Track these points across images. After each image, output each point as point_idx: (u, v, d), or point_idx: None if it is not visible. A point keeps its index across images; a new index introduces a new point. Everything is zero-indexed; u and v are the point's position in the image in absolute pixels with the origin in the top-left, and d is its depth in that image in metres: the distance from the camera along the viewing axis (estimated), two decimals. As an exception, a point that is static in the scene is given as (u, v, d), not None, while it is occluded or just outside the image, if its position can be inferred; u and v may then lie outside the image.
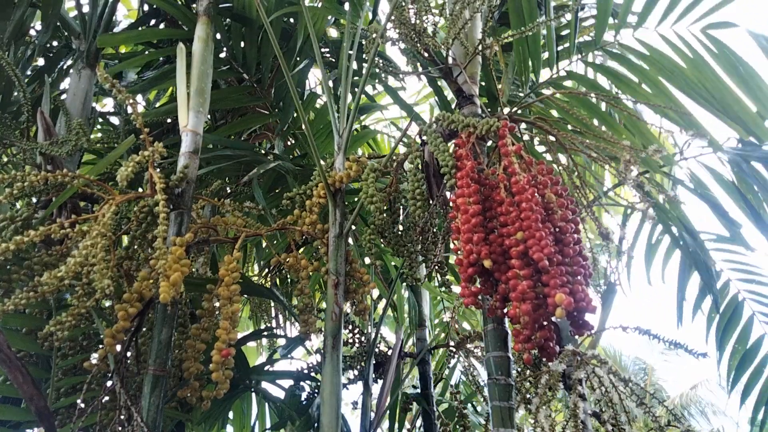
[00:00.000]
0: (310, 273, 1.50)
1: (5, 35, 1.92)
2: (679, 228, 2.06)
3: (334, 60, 2.40)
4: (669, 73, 1.73)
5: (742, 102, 1.69)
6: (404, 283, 2.37)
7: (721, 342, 2.63)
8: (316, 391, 1.88)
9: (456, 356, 2.23)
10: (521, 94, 1.93)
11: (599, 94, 1.60)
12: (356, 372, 2.12)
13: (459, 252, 1.14)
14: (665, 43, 1.76)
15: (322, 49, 2.37)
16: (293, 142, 2.58)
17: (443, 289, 1.51)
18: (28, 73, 2.26)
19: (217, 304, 1.35)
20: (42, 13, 2.06)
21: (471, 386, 2.25)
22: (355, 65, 2.18)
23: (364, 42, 1.70)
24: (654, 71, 1.75)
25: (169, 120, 2.33)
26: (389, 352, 2.20)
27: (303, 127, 2.10)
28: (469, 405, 2.63)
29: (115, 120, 2.46)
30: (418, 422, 2.23)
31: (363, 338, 2.24)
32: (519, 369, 1.77)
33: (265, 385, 1.89)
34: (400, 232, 1.44)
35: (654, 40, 1.79)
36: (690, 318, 2.50)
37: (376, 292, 2.74)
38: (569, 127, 1.73)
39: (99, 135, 2.40)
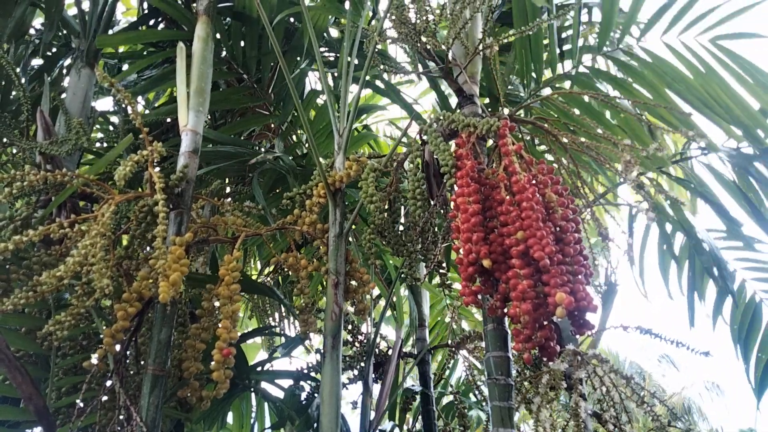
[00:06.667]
0: (311, 273, 1.50)
1: (6, 33, 1.92)
2: (688, 228, 2.01)
3: (334, 59, 2.39)
4: (671, 81, 1.73)
5: (748, 107, 1.69)
6: (404, 283, 2.37)
7: (746, 345, 2.36)
8: (316, 390, 1.87)
9: (456, 356, 2.23)
10: (523, 95, 1.92)
11: (600, 95, 1.60)
12: (356, 372, 2.12)
13: (459, 251, 1.14)
14: (671, 52, 1.76)
15: (322, 49, 2.36)
16: (293, 142, 2.57)
17: (441, 288, 1.51)
18: (29, 70, 2.25)
19: (217, 304, 1.35)
20: (45, 12, 2.05)
21: (470, 385, 2.25)
22: (356, 62, 2.17)
23: (364, 42, 1.70)
24: (656, 78, 1.75)
25: (169, 119, 2.32)
26: (389, 352, 2.19)
27: (303, 126, 2.09)
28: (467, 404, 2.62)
29: (115, 119, 2.46)
30: (419, 423, 2.23)
31: (363, 338, 2.23)
32: (519, 369, 1.76)
33: (264, 384, 1.88)
34: (400, 232, 1.43)
35: (659, 48, 1.80)
36: (707, 324, 2.28)
37: (375, 292, 2.74)
38: (571, 128, 1.72)
39: (99, 135, 2.40)
